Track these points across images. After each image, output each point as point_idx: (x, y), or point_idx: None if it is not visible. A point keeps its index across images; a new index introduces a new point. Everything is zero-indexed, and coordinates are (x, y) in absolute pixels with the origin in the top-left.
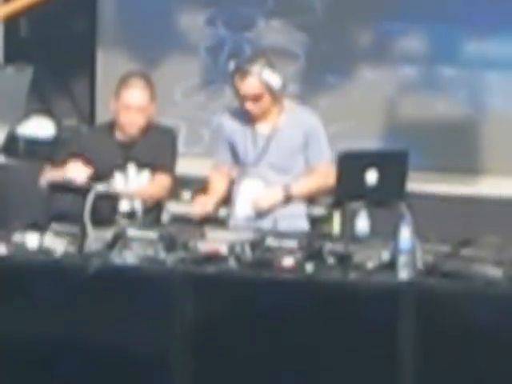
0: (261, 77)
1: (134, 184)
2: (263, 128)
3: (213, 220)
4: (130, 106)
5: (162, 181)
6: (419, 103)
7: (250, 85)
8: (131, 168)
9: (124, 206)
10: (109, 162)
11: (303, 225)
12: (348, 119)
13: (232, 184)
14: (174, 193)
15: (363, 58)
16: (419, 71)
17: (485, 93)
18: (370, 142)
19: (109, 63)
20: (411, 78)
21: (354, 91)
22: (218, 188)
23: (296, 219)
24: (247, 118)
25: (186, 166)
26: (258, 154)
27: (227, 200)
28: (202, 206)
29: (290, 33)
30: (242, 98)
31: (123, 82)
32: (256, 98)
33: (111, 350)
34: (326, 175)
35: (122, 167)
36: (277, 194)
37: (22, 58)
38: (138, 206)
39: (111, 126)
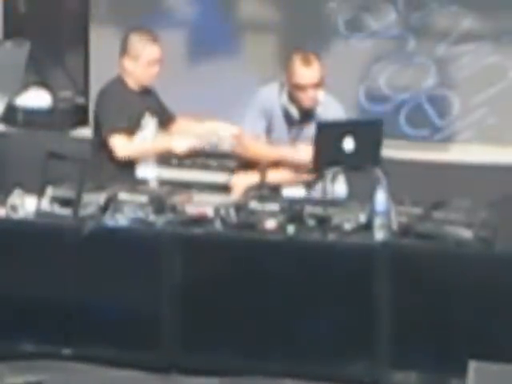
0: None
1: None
2: (297, 116)
3: None
4: (155, 60)
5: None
6: (392, 75)
7: (312, 73)
8: (149, 116)
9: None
10: (134, 111)
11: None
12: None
13: None
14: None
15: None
16: (393, 44)
17: (454, 65)
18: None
19: (101, 38)
20: (386, 50)
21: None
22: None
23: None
24: (286, 105)
25: None
26: (290, 142)
27: None
28: None
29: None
30: (301, 87)
31: (142, 38)
32: (316, 86)
33: (104, 307)
34: None
35: (145, 115)
36: (250, 178)
37: (20, 33)
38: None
39: (121, 80)
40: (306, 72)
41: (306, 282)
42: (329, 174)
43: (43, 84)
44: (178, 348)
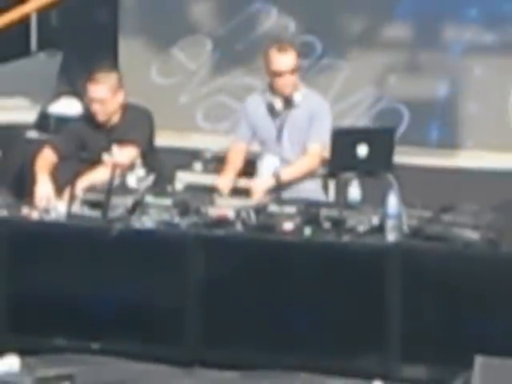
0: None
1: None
2: (280, 105)
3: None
4: (92, 99)
5: (126, 152)
6: (405, 84)
7: (288, 60)
8: (115, 149)
9: None
10: (96, 146)
11: (320, 197)
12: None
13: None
14: (147, 164)
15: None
16: (405, 55)
17: (465, 73)
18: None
19: (129, 49)
20: (398, 61)
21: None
22: (235, 163)
23: (313, 193)
24: (269, 99)
25: (198, 139)
26: (276, 132)
27: (246, 171)
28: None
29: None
30: (277, 74)
31: (88, 78)
32: (293, 72)
33: (130, 306)
34: (313, 158)
35: (108, 150)
36: (268, 182)
37: (52, 45)
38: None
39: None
40: (282, 59)
41: (322, 281)
42: (343, 178)
43: (74, 93)
44: (200, 343)
